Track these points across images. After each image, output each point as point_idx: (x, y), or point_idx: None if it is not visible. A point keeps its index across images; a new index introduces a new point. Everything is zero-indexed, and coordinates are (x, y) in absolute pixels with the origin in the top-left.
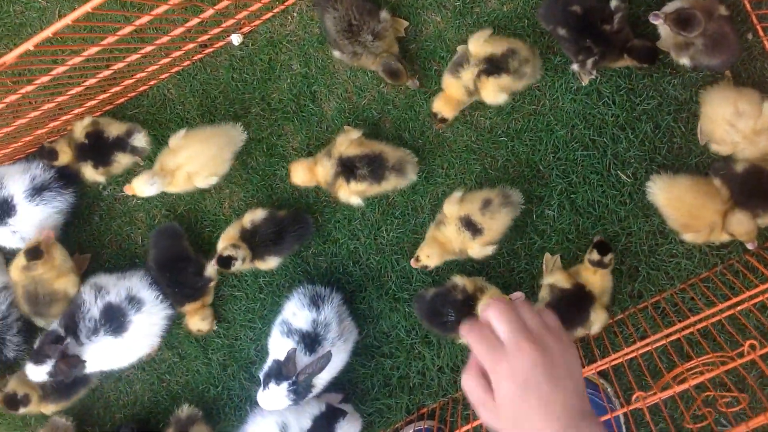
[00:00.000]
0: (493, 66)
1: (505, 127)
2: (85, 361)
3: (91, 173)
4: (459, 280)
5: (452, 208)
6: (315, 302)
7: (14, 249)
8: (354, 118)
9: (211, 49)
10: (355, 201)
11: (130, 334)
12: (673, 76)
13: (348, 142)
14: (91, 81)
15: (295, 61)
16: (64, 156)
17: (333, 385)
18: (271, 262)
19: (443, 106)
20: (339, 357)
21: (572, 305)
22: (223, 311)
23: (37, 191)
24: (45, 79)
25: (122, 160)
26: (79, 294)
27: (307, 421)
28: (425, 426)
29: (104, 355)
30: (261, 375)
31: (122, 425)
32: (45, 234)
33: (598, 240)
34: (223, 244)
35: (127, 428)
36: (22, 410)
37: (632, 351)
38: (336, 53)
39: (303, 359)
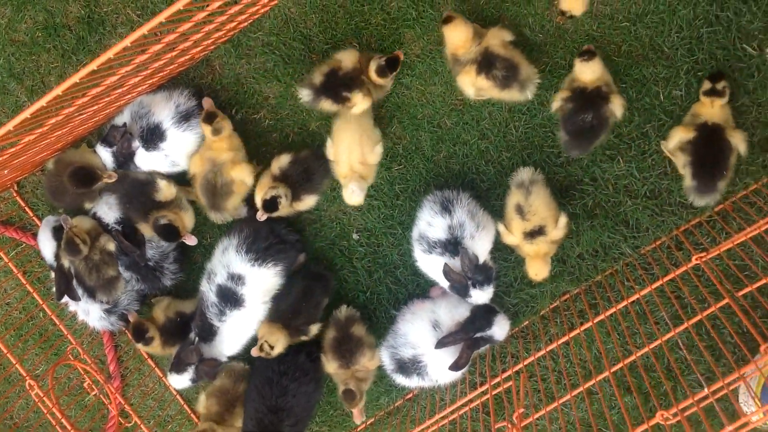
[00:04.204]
0: None
1: (626, 12)
2: (222, 362)
3: None
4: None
5: None
6: (446, 207)
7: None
8: (473, 18)
9: None
10: (469, 91)
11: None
12: None
13: (500, 40)
14: (221, 18)
15: None
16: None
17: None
18: (308, 201)
19: (573, 3)
20: (485, 241)
21: (709, 145)
22: (363, 220)
23: (183, 118)
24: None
25: None
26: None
27: (464, 312)
28: None
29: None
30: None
31: None
32: (206, 101)
33: (711, 72)
34: (261, 192)
35: None
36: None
37: None
38: None
39: (454, 263)
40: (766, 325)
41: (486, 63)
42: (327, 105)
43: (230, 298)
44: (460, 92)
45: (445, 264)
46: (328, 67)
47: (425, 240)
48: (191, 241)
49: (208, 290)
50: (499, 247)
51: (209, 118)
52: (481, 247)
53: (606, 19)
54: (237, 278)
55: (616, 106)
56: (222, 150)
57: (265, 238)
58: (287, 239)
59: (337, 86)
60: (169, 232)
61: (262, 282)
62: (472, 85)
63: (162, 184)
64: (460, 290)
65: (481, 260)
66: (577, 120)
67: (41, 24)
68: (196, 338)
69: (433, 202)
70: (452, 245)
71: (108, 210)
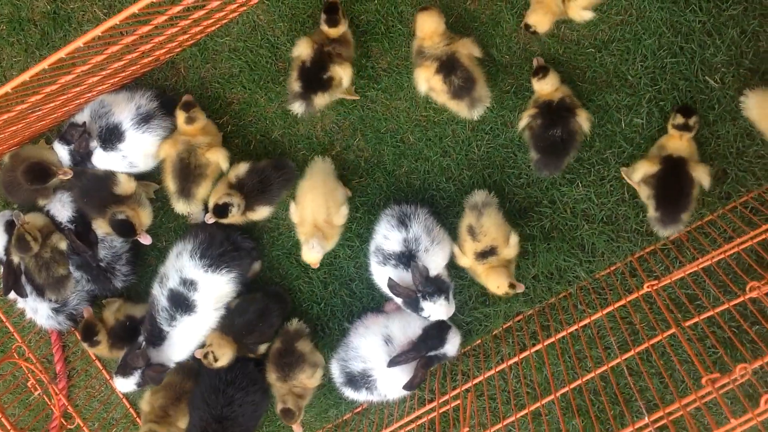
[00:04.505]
0: None
1: (592, 39)
2: (169, 367)
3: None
4: None
5: None
6: (403, 222)
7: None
8: None
9: None
10: (422, 86)
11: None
12: None
13: (468, 52)
14: (184, 22)
15: None
16: None
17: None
18: (262, 212)
19: (540, 19)
20: (439, 256)
21: (673, 178)
22: None
23: (143, 119)
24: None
25: None
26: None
27: (417, 329)
28: None
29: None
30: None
31: None
32: (186, 96)
33: (681, 105)
34: (214, 197)
35: None
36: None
37: (733, 247)
38: None
39: (404, 276)
40: (712, 357)
41: (448, 66)
42: (322, 100)
43: (181, 304)
44: (425, 108)
45: (389, 278)
46: (295, 70)
47: (381, 252)
48: (146, 240)
49: (159, 294)
50: (455, 265)
51: (186, 107)
52: (434, 261)
53: (572, 45)
54: (189, 283)
55: (583, 120)
56: (197, 135)
57: (220, 244)
58: (242, 246)
59: (315, 76)
60: (125, 228)
61: (214, 288)
62: (426, 81)
63: (122, 177)
64: (411, 304)
65: (434, 273)
66: (547, 136)
67: (6, 17)
68: (144, 342)
69: (391, 216)
70: (406, 258)
71: (62, 208)
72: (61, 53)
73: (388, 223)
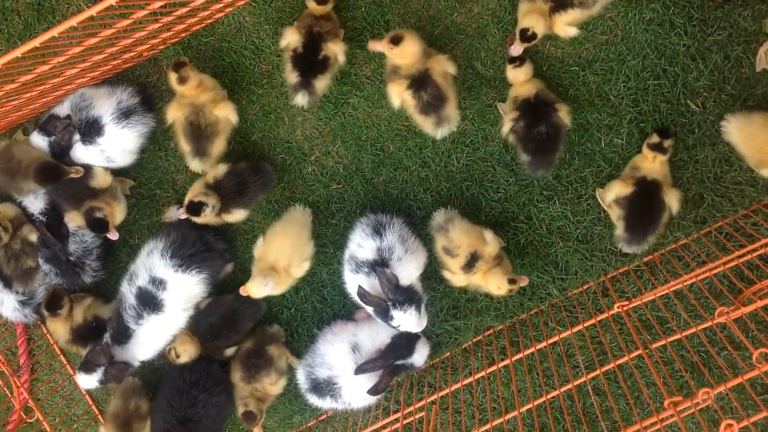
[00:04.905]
0: (558, 3)
1: (576, 57)
2: (133, 366)
3: None
4: None
5: None
6: (377, 230)
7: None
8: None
9: None
10: (395, 101)
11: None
12: (744, 8)
13: (443, 69)
14: (167, 19)
15: None
16: None
17: None
18: (237, 215)
19: (536, 21)
20: (412, 265)
21: (645, 201)
22: None
23: (124, 114)
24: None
25: None
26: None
27: (385, 338)
28: None
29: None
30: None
31: None
32: (182, 58)
33: (660, 126)
34: (190, 195)
35: None
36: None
37: (705, 271)
38: None
39: (376, 284)
40: (677, 381)
41: (419, 82)
42: (322, 82)
43: (150, 302)
44: (406, 118)
45: (359, 286)
46: (288, 61)
47: (354, 260)
48: (113, 235)
49: (128, 292)
50: (427, 276)
51: (176, 66)
52: (406, 270)
53: (556, 62)
54: (159, 282)
55: (564, 114)
56: (197, 94)
57: (192, 244)
58: (214, 248)
59: (310, 60)
60: (100, 226)
61: (184, 288)
62: (398, 96)
63: (98, 170)
64: (381, 313)
65: (406, 282)
66: (532, 135)
67: None
68: (110, 339)
69: (366, 224)
70: (379, 266)
71: (34, 200)
72: (36, 42)
73: (363, 231)
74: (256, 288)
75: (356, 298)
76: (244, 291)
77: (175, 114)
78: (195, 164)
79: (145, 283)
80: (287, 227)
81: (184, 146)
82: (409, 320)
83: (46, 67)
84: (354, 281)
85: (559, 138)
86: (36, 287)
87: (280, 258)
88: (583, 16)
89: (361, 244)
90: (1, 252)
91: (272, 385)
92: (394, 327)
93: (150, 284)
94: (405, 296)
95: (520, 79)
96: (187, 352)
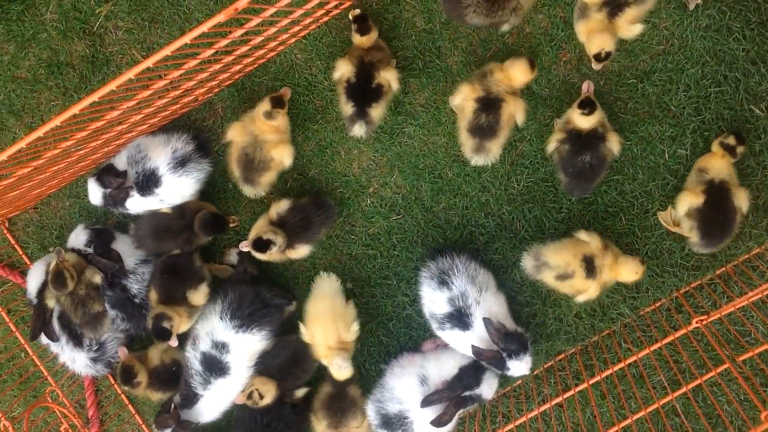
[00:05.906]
0: (613, 6)
1: (633, 70)
2: (197, 423)
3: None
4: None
5: None
6: (443, 281)
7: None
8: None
9: (336, 11)
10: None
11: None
12: None
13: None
14: (229, 57)
15: (418, 18)
16: None
17: None
18: (301, 251)
19: (603, 40)
20: (493, 303)
21: (718, 208)
22: (358, 270)
23: (180, 163)
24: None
25: None
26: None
27: (453, 369)
28: None
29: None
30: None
31: None
32: (285, 90)
33: (737, 130)
34: (256, 231)
35: None
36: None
37: None
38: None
39: (462, 338)
40: (766, 393)
41: (488, 103)
42: (378, 111)
43: (215, 367)
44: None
45: (472, 345)
46: (342, 93)
47: (435, 318)
48: (173, 342)
49: (192, 357)
50: None
51: (276, 102)
52: (491, 310)
53: (613, 76)
54: (221, 346)
55: (614, 144)
56: (267, 131)
57: (249, 303)
58: (271, 303)
59: (365, 89)
60: (162, 335)
61: (246, 348)
62: (463, 98)
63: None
64: (497, 364)
65: (507, 326)
66: (576, 162)
67: (45, 61)
68: (179, 404)
69: (429, 277)
70: (457, 317)
71: (75, 238)
72: (112, 86)
73: (429, 285)
74: (338, 374)
75: (462, 351)
76: (340, 377)
77: (235, 135)
78: (245, 189)
79: (209, 348)
80: (319, 305)
81: (234, 170)
82: (524, 368)
83: (115, 112)
84: (447, 338)
85: (602, 168)
86: (104, 333)
87: (329, 337)
88: (640, 11)
89: (433, 299)
90: (68, 300)
91: (358, 428)
92: (508, 374)
93: (213, 349)
94: (517, 344)
95: (585, 125)
96: (270, 393)
